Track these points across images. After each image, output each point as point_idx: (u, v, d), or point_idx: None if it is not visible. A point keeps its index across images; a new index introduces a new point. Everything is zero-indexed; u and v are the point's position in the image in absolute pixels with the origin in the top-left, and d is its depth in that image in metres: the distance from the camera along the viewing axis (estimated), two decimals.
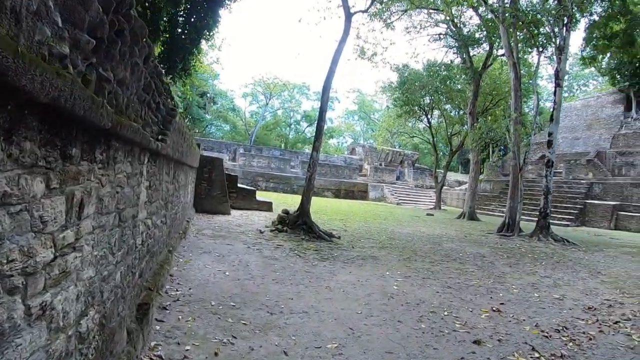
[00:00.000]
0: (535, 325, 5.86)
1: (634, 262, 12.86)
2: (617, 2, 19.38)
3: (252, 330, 4.76)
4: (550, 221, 17.95)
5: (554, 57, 20.64)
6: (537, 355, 4.83)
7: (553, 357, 4.82)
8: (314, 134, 57.68)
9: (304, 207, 12.52)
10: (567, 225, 25.61)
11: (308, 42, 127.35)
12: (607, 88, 49.07)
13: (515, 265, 10.45)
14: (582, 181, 31.69)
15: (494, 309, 6.46)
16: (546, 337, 5.45)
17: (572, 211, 27.89)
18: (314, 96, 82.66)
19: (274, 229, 12.21)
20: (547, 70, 66.21)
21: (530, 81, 28.23)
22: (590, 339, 5.50)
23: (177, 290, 5.87)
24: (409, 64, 32.23)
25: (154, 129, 4.33)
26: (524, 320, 6.08)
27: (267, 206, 18.67)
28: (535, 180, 33.23)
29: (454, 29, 27.74)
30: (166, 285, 5.97)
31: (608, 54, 26.35)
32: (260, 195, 21.63)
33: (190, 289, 6.04)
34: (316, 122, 14.16)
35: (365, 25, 27.97)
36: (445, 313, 6.06)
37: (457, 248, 12.63)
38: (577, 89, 75.37)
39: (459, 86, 31.96)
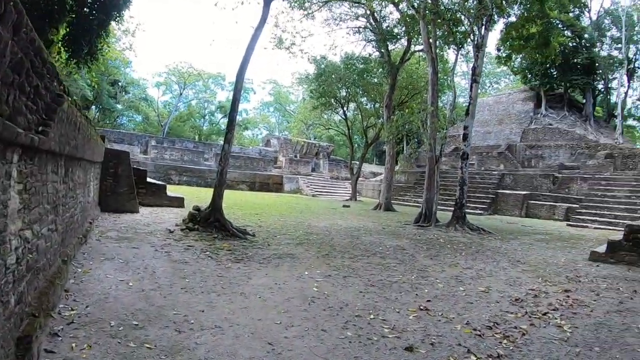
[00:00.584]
0: (467, 324, 5.60)
1: (549, 248, 13.30)
2: (535, 6, 20.01)
3: (157, 355, 4.04)
4: (465, 210, 18.27)
5: (471, 54, 21.06)
6: (473, 358, 4.53)
7: (490, 359, 4.53)
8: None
9: (216, 202, 11.66)
10: (481, 214, 26.67)
11: (224, 29, 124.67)
12: (519, 86, 51.85)
13: (436, 258, 10.33)
14: (494, 172, 33.37)
15: (421, 307, 6.15)
16: (479, 335, 5.20)
17: (485, 200, 29.20)
18: (229, 86, 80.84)
19: (184, 227, 11.26)
20: (461, 67, 68.48)
21: (446, 77, 28.85)
22: (524, 334, 5.33)
23: (72, 310, 4.95)
24: (327, 56, 31.98)
25: (30, 118, 3.54)
26: (453, 318, 5.80)
27: (178, 202, 17.43)
28: (449, 171, 34.37)
29: (374, 23, 27.70)
30: (59, 304, 5.06)
31: (522, 55, 27.27)
32: (172, 191, 20.62)
33: (87, 306, 5.14)
34: (229, 112, 13.26)
35: (285, 13, 27.26)
36: (372, 316, 5.63)
37: (376, 241, 12.38)
38: (489, 86, 78.62)
39: (376, 80, 32.20)
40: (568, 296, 7.32)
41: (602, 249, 11.81)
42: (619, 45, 46.12)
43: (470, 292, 7.20)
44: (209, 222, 11.36)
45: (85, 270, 6.70)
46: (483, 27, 18.64)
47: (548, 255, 11.97)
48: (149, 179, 17.68)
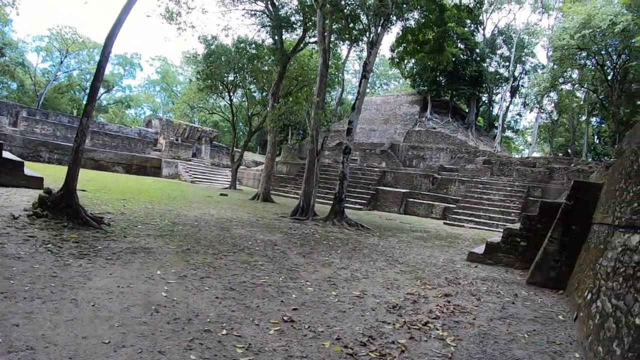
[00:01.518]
0: (337, 339, 4.89)
1: (428, 247, 13.33)
2: (433, 14, 20.35)
3: None
4: (345, 205, 18.15)
5: (365, 50, 20.95)
6: None
7: None
8: (110, 101, 53.48)
9: (69, 185, 10.06)
10: (360, 209, 27.29)
11: None
12: (407, 89, 53.49)
13: (309, 255, 9.74)
14: (376, 169, 34.11)
15: (285, 318, 5.36)
16: (351, 355, 4.48)
17: (365, 196, 29.65)
18: (115, 59, 77.00)
19: (31, 213, 9.63)
20: (353, 65, 69.78)
21: (337, 72, 28.71)
22: (403, 351, 4.75)
23: None
24: (218, 36, 30.62)
25: None
26: (322, 332, 5.08)
27: (37, 183, 15.26)
28: (331, 165, 34.74)
29: (272, 9, 26.85)
30: None
31: (415, 58, 27.89)
32: (39, 170, 18.61)
33: None
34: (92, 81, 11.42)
35: None
36: (224, 331, 4.72)
37: (247, 235, 11.61)
38: (379, 87, 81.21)
39: (266, 68, 31.43)
40: (449, 301, 7.02)
41: (480, 249, 11.98)
42: (507, 64, 49.36)
43: (343, 298, 6.60)
44: (61, 208, 9.81)
45: None
46: (380, 26, 18.46)
47: (426, 254, 11.89)
48: (5, 155, 15.49)
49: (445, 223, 23.98)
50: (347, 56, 23.72)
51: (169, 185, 27.78)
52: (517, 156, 51.26)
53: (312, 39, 27.81)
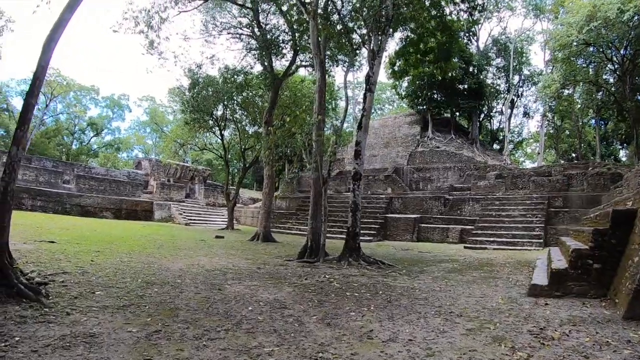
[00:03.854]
0: None
1: (469, 283, 10.62)
2: (431, 24, 18.46)
3: None
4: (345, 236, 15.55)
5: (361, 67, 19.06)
6: None
7: None
8: (100, 145, 51.29)
9: None
10: (370, 241, 25.06)
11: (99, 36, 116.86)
12: (403, 110, 51.72)
13: (335, 321, 6.70)
14: (382, 196, 32.30)
15: None
16: None
17: (373, 226, 27.60)
18: (103, 102, 75.32)
19: None
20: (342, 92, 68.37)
21: (330, 99, 26.83)
22: None
23: None
24: (203, 64, 28.42)
25: None
26: None
27: None
28: (332, 196, 32.53)
29: (258, 32, 25.03)
30: None
31: (419, 69, 26.54)
32: (23, 219, 17.37)
33: None
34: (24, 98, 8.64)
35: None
36: None
37: (245, 294, 8.59)
38: (373, 112, 79.06)
39: (257, 98, 29.98)
40: None
41: (540, 279, 9.56)
42: (503, 74, 47.92)
43: None
44: None
45: None
46: (381, 32, 16.08)
47: (477, 294, 9.18)
48: None
49: (465, 247, 21.76)
50: (350, 67, 21.44)
51: (159, 230, 25.13)
52: (524, 167, 49.67)
53: (305, 62, 26.51)
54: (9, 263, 7.15)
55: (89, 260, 11.39)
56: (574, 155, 57.62)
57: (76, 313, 6.35)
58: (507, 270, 13.27)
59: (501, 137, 53.88)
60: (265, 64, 25.98)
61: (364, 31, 18.17)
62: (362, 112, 16.12)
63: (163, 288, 8.65)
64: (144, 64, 79.17)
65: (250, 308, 7.37)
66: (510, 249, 20.15)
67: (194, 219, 36.22)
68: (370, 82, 15.92)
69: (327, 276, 11.41)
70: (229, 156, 36.83)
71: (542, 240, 21.18)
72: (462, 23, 23.30)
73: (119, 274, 9.87)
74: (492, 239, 22.18)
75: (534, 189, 26.80)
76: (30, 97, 7.85)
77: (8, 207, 7.37)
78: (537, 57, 66.81)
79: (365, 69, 17.24)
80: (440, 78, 33.88)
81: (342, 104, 46.26)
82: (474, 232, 23.67)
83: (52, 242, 14.03)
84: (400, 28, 19.41)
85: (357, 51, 20.49)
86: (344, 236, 15.60)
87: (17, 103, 65.22)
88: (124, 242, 16.71)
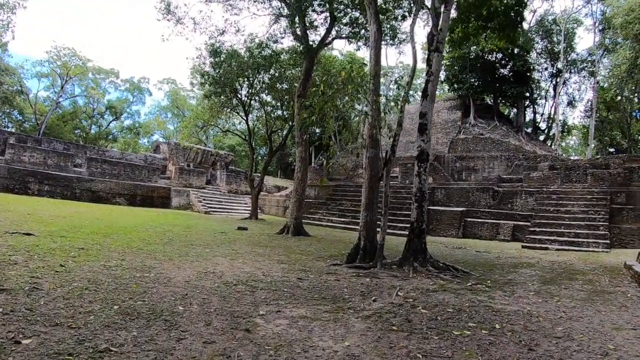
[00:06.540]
0: None
1: (586, 301, 7.85)
2: None
3: None
4: (390, 231, 13.62)
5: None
6: None
7: None
8: (120, 130, 48.93)
9: None
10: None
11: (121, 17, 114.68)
12: (443, 95, 48.54)
13: None
14: None
15: None
16: None
17: None
18: (122, 85, 72.89)
19: None
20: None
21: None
22: None
23: None
24: (227, 30, 25.18)
25: None
26: None
27: None
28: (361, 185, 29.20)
29: None
30: None
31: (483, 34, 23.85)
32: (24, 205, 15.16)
33: None
34: None
35: None
36: None
37: (293, 339, 4.96)
38: (411, 97, 75.99)
39: (286, 75, 27.24)
40: None
41: None
42: (547, 58, 44.65)
43: None
44: None
45: None
46: None
47: (620, 322, 6.06)
48: None
49: (523, 246, 18.96)
50: (414, 22, 18.30)
51: (174, 219, 21.92)
52: (573, 158, 46.39)
53: (342, 34, 24.11)
54: None
55: (60, 263, 7.99)
56: (611, 150, 53.74)
57: None
58: (605, 279, 10.28)
59: (543, 127, 50.37)
60: (298, 32, 22.83)
61: None
62: (426, 77, 12.58)
63: (148, 330, 4.85)
64: (164, 47, 76.49)
65: None
66: (575, 250, 17.70)
67: (214, 207, 33.31)
68: (437, 40, 12.41)
69: (400, 294, 7.74)
70: (254, 141, 33.99)
71: (608, 241, 18.35)
72: None
73: (88, 292, 6.14)
74: (552, 237, 19.42)
75: (592, 182, 23.71)
76: None
77: None
78: (582, 43, 63.09)
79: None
80: (506, 50, 30.20)
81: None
82: (531, 229, 20.78)
83: (29, 234, 10.85)
84: None
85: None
86: (395, 232, 12.06)
87: (33, 85, 63.07)
88: (124, 235, 13.33)
